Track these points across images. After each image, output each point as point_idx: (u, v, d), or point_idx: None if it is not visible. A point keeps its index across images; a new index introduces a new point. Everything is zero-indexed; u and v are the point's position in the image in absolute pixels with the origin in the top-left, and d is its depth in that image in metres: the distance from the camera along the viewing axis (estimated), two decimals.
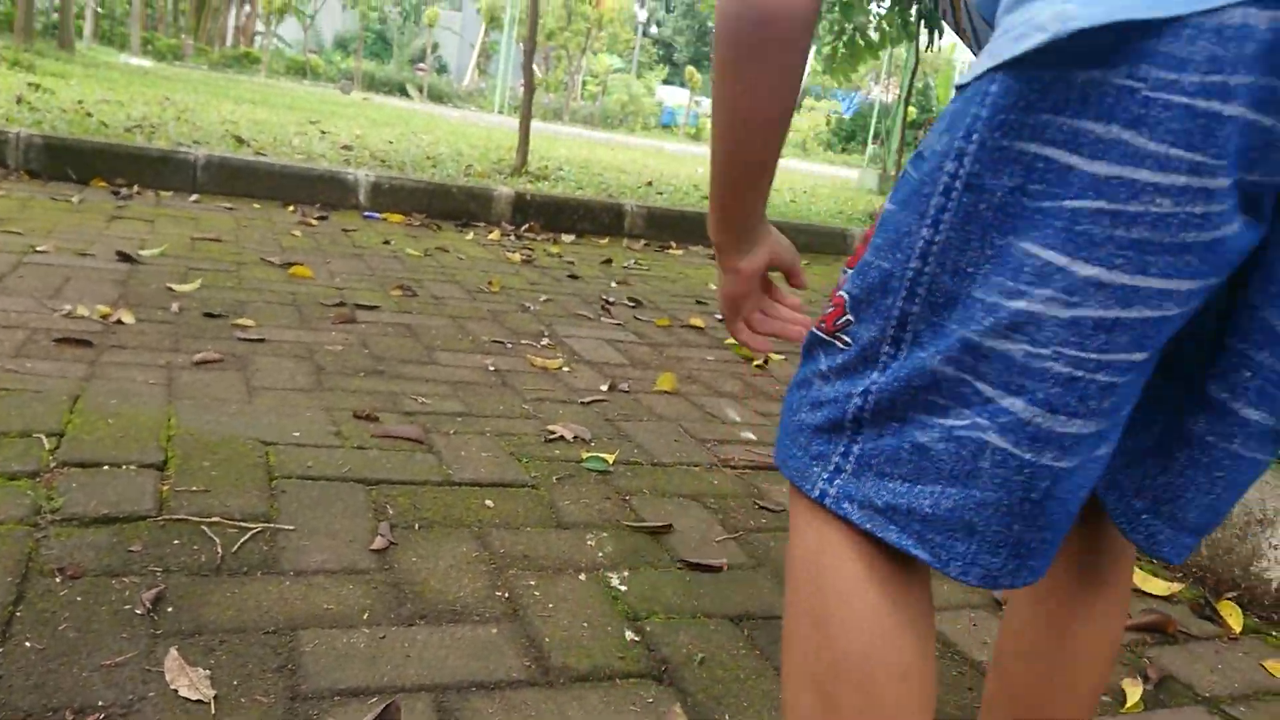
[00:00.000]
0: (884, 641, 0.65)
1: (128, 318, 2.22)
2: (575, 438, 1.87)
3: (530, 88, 6.08)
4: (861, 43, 6.85)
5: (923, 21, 6.63)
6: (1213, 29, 0.50)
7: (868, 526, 0.63)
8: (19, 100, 5.50)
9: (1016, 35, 0.54)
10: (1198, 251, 0.54)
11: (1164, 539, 0.70)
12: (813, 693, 0.67)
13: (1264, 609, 1.56)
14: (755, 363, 2.74)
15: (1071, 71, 0.53)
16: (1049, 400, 0.57)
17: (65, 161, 3.98)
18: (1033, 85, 0.54)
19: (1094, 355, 0.56)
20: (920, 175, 0.60)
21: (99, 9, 23.35)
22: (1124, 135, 0.52)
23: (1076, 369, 0.56)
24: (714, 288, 3.89)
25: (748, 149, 0.78)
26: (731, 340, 2.97)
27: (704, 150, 19.76)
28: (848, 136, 32.63)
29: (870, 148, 21.83)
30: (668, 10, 40.12)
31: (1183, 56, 0.51)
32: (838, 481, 0.65)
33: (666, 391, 2.31)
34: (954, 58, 29.93)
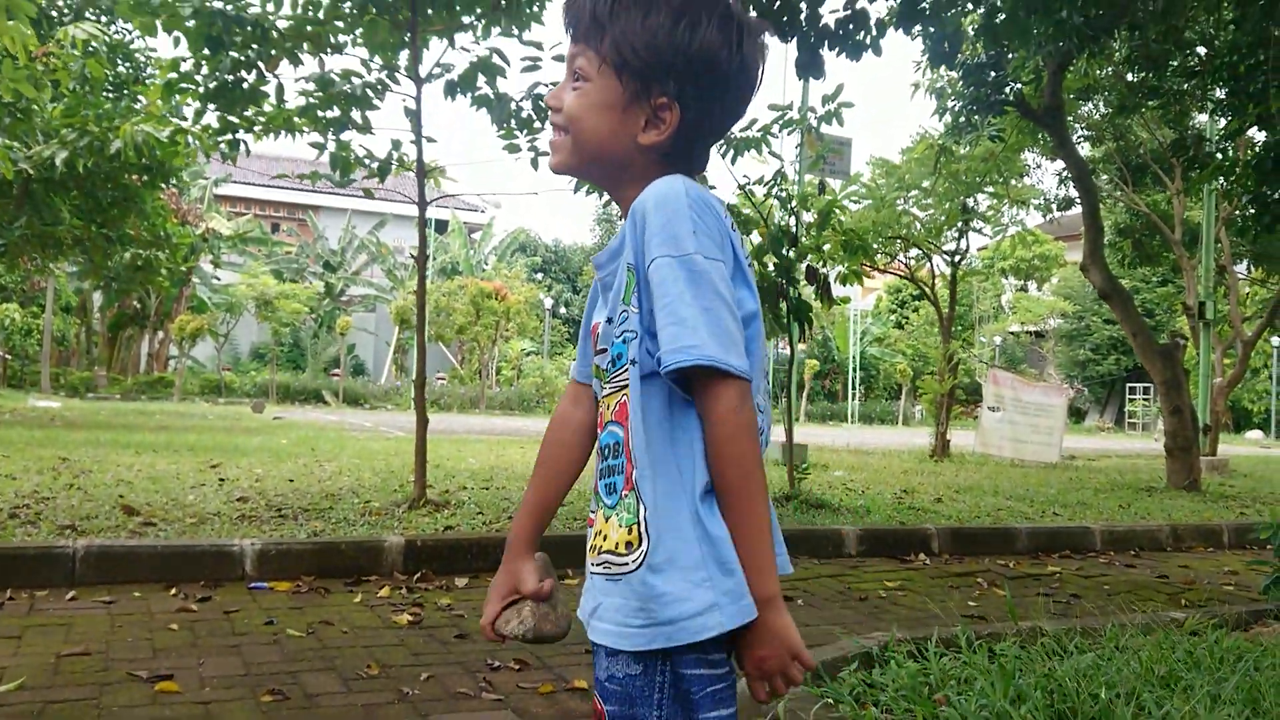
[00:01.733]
0: None
1: None
2: None
3: (423, 420, 6.25)
4: None
5: (792, 316, 7.08)
6: None
7: None
8: None
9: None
10: None
11: None
12: None
13: None
14: None
15: None
16: None
17: None
18: None
19: None
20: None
21: (7, 355, 23.55)
22: None
23: None
24: None
25: None
26: None
27: None
28: None
29: (780, 402, 22.54)
30: (574, 292, 42.08)
31: None
32: None
33: None
34: (848, 310, 31.73)
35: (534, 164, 6.39)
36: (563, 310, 41.20)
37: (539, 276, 40.97)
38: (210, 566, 4.34)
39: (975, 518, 6.82)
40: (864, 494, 7.91)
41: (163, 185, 12.27)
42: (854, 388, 32.28)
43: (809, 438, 13.61)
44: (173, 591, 4.12)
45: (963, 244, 13.82)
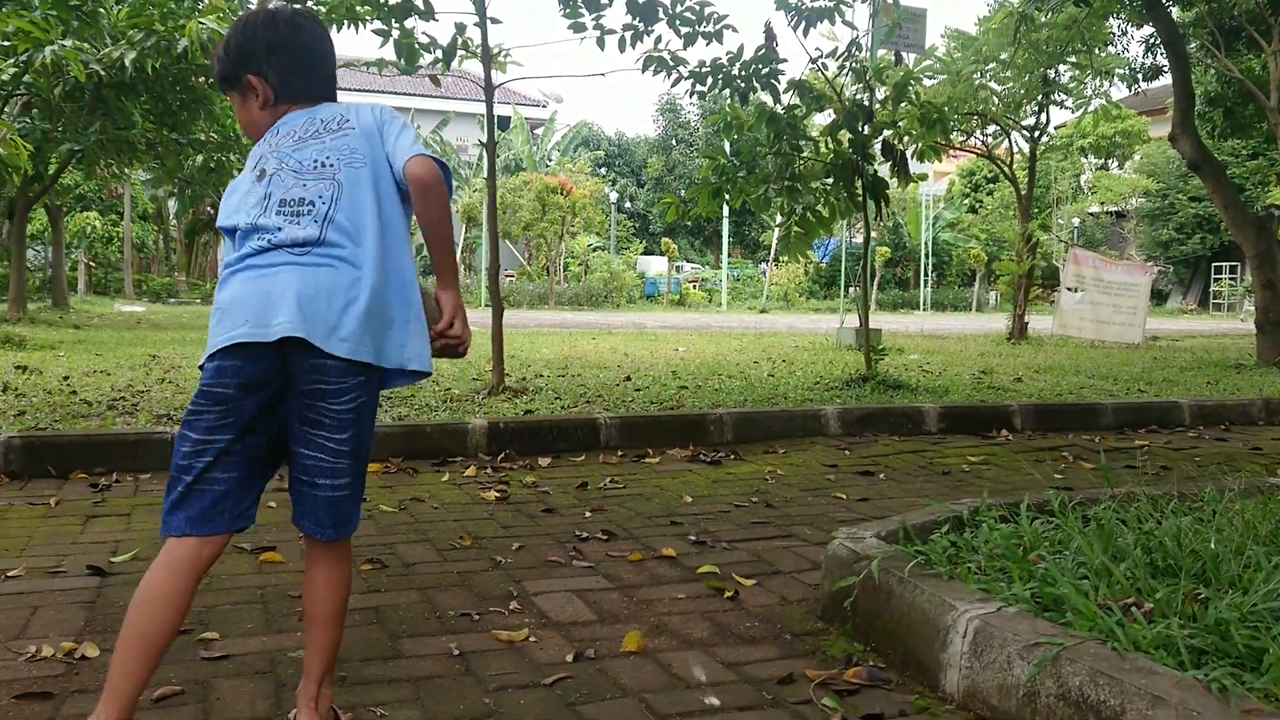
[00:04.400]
0: None
1: (91, 651, 2.24)
2: None
3: (499, 308, 6.28)
4: (813, 219, 7.11)
5: (867, 194, 6.90)
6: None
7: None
8: (4, 388, 5.66)
9: None
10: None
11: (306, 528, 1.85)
12: None
13: None
14: (726, 594, 2.74)
15: None
16: None
17: (44, 459, 4.08)
18: None
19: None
20: None
21: (90, 262, 24.20)
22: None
23: None
24: (690, 500, 3.92)
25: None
26: (705, 569, 2.98)
27: (685, 320, 20.17)
28: (828, 282, 33.29)
29: (852, 291, 22.24)
30: (639, 186, 41.64)
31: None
32: None
33: (633, 652, 2.30)
34: (919, 195, 30.93)
35: (600, 43, 6.22)
36: (628, 204, 40.88)
37: (603, 171, 40.57)
38: None
39: (1057, 395, 6.70)
40: (941, 375, 7.80)
41: None
42: (926, 274, 31.65)
43: (881, 325, 13.44)
44: None
45: (1042, 119, 13.29)
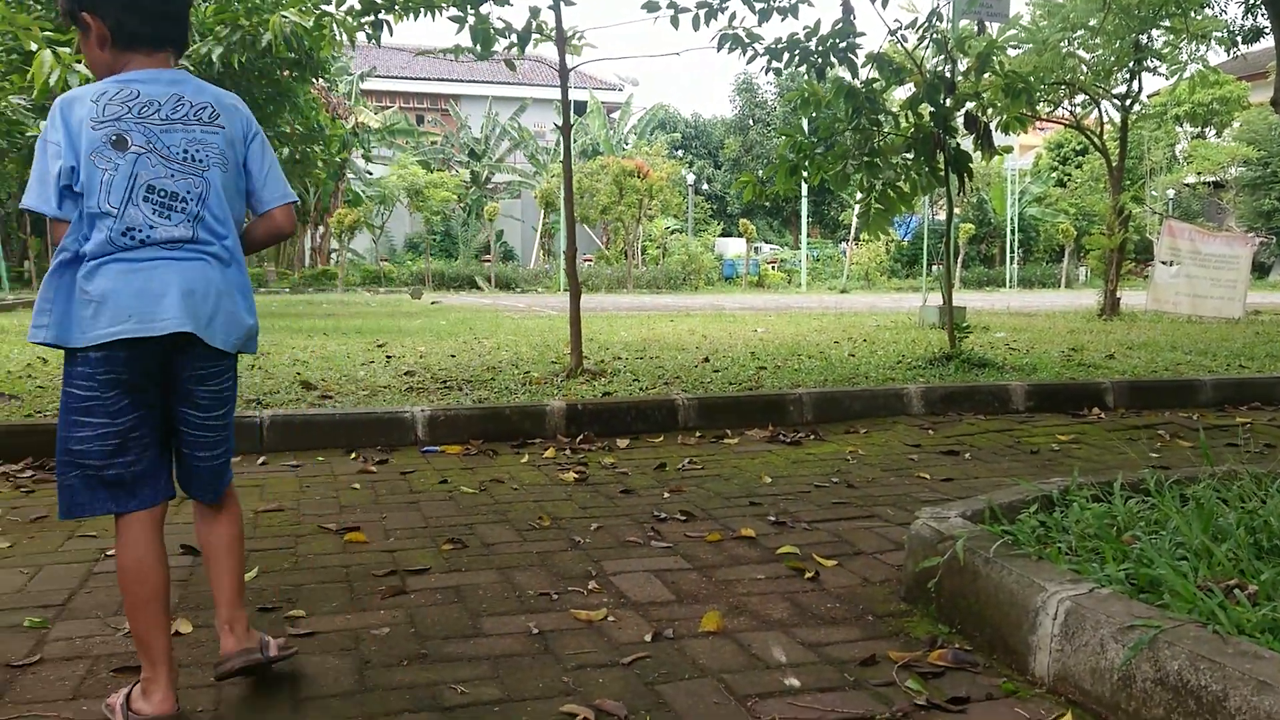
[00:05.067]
0: None
1: (185, 627, 2.30)
2: (612, 715, 1.86)
3: (577, 290, 6.29)
4: (893, 195, 6.97)
5: (950, 167, 6.73)
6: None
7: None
8: None
9: None
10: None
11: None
12: None
13: None
14: (807, 575, 2.70)
15: None
16: None
17: None
18: None
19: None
20: None
21: None
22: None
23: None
24: (769, 481, 3.88)
25: None
26: (784, 550, 2.94)
27: (764, 301, 19.99)
28: (910, 260, 32.70)
29: (934, 268, 21.79)
30: (716, 167, 41.40)
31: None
32: None
33: (711, 632, 2.28)
34: (1004, 170, 30.15)
35: (674, 22, 6.17)
36: (705, 186, 40.67)
37: (679, 153, 40.41)
38: (385, 432, 4.54)
39: (1152, 372, 6.46)
40: (1029, 353, 7.60)
41: (312, 79, 12.52)
42: (1012, 251, 30.83)
43: (966, 303, 13.13)
44: (352, 455, 4.34)
45: (1134, 87, 12.79)
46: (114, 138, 1.82)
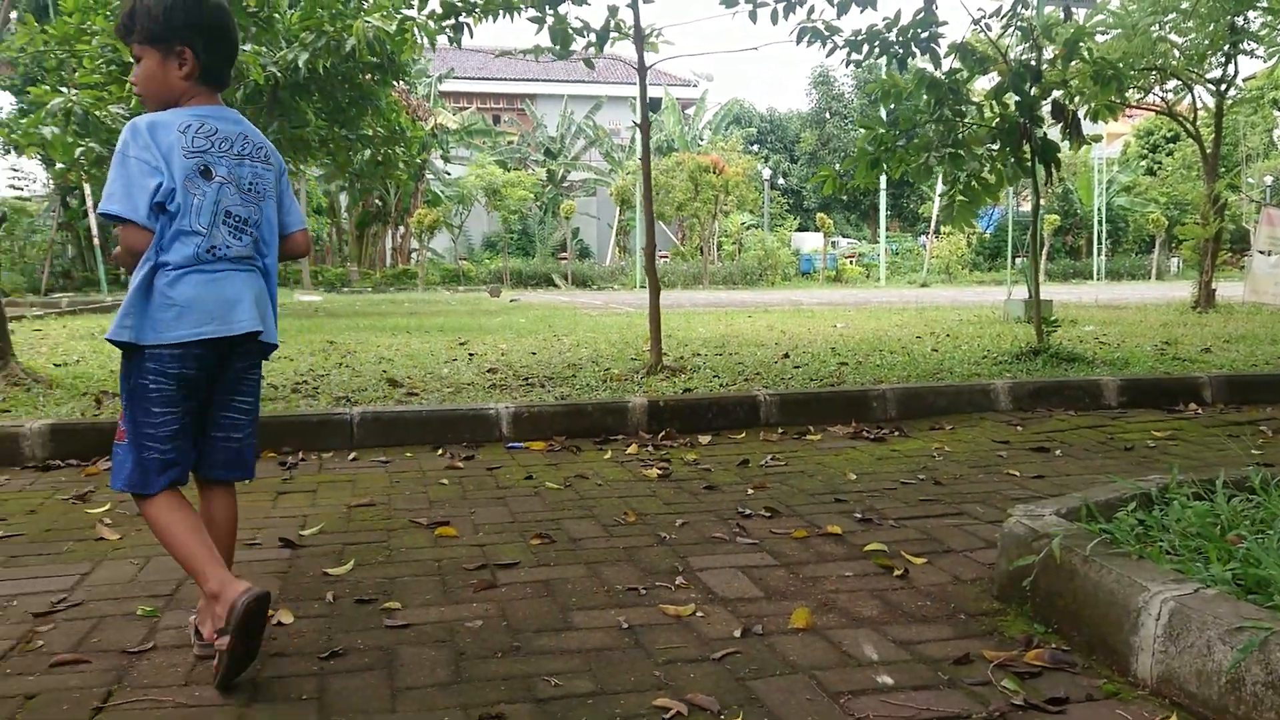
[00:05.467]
0: None
1: (286, 618, 2.38)
2: (704, 709, 1.87)
3: (656, 286, 6.31)
4: (978, 187, 6.85)
5: (1037, 157, 6.58)
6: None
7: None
8: None
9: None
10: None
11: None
12: None
13: None
14: (896, 572, 2.68)
15: None
16: None
17: None
18: None
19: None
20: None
21: None
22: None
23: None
24: (853, 477, 3.85)
25: None
26: (872, 547, 2.92)
27: (842, 296, 19.79)
28: (992, 253, 32.04)
29: (1018, 261, 21.29)
30: (792, 161, 41.08)
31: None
32: None
33: (801, 629, 2.28)
34: (1091, 159, 29.33)
35: (752, 17, 6.14)
36: (781, 181, 40.40)
37: (755, 148, 40.19)
38: (470, 429, 4.61)
39: (1252, 366, 6.24)
40: (1120, 347, 7.40)
41: (394, 82, 12.77)
42: (1099, 242, 29.98)
43: (1052, 296, 12.83)
44: (439, 451, 4.42)
45: (1229, 70, 12.34)
46: (202, 168, 2.11)
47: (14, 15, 7.97)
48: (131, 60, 2.21)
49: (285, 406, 4.85)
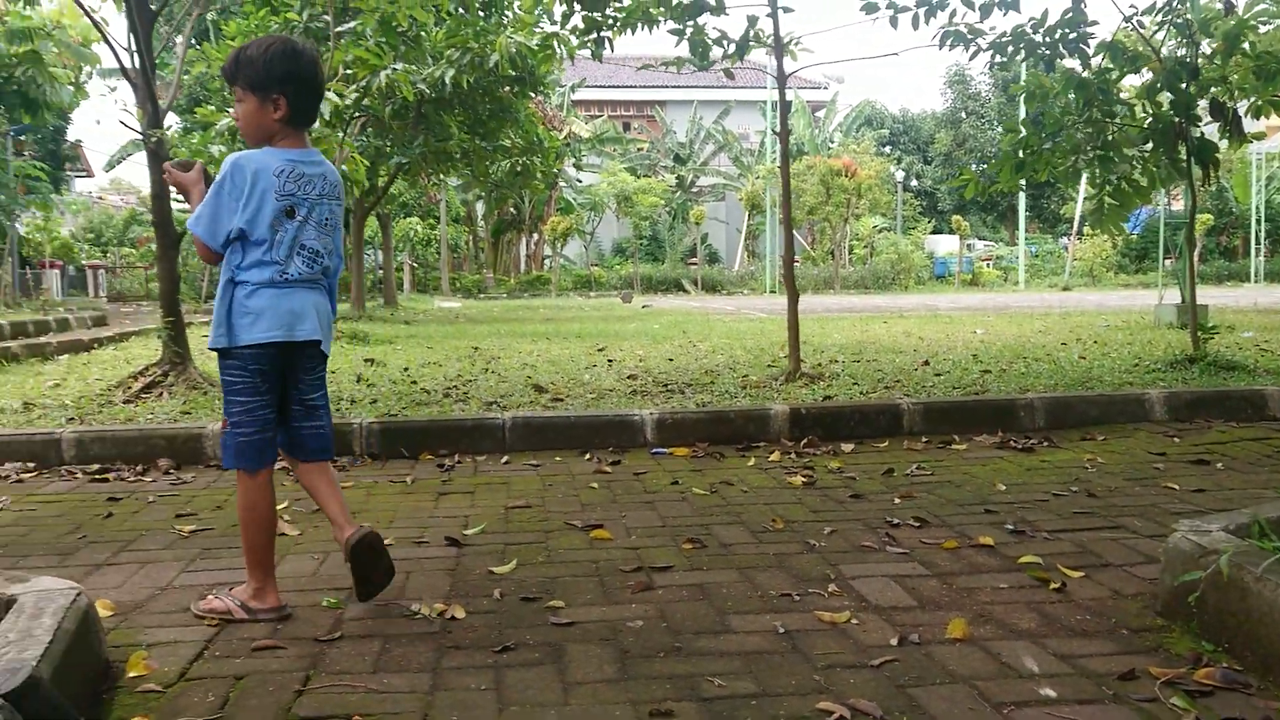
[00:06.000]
0: None
1: (459, 612, 2.52)
2: (867, 715, 1.91)
3: (794, 294, 6.33)
4: (1128, 189, 6.63)
5: (1193, 157, 6.33)
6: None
7: None
8: (358, 379, 6.40)
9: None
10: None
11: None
12: None
13: None
14: (1053, 585, 2.66)
15: None
16: None
17: (399, 442, 4.59)
18: None
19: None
20: None
21: (413, 263, 26.60)
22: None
23: None
24: (1003, 488, 3.81)
25: None
26: (1026, 559, 2.90)
27: (980, 301, 19.28)
28: (1139, 255, 30.67)
29: (1169, 263, 20.34)
30: (926, 163, 40.23)
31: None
32: None
33: (958, 639, 2.29)
34: (1248, 154, 27.76)
35: (893, 22, 6.11)
36: (914, 182, 39.60)
37: (887, 149, 39.52)
38: (615, 434, 4.74)
39: None
40: None
41: (531, 94, 13.12)
42: (1258, 242, 28.35)
43: (1206, 299, 12.24)
44: (586, 456, 4.56)
45: None
46: (287, 208, 2.51)
47: (191, 42, 8.54)
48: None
49: (439, 411, 5.08)
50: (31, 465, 4.44)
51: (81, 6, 5.86)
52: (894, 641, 2.29)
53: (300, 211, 2.51)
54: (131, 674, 2.16)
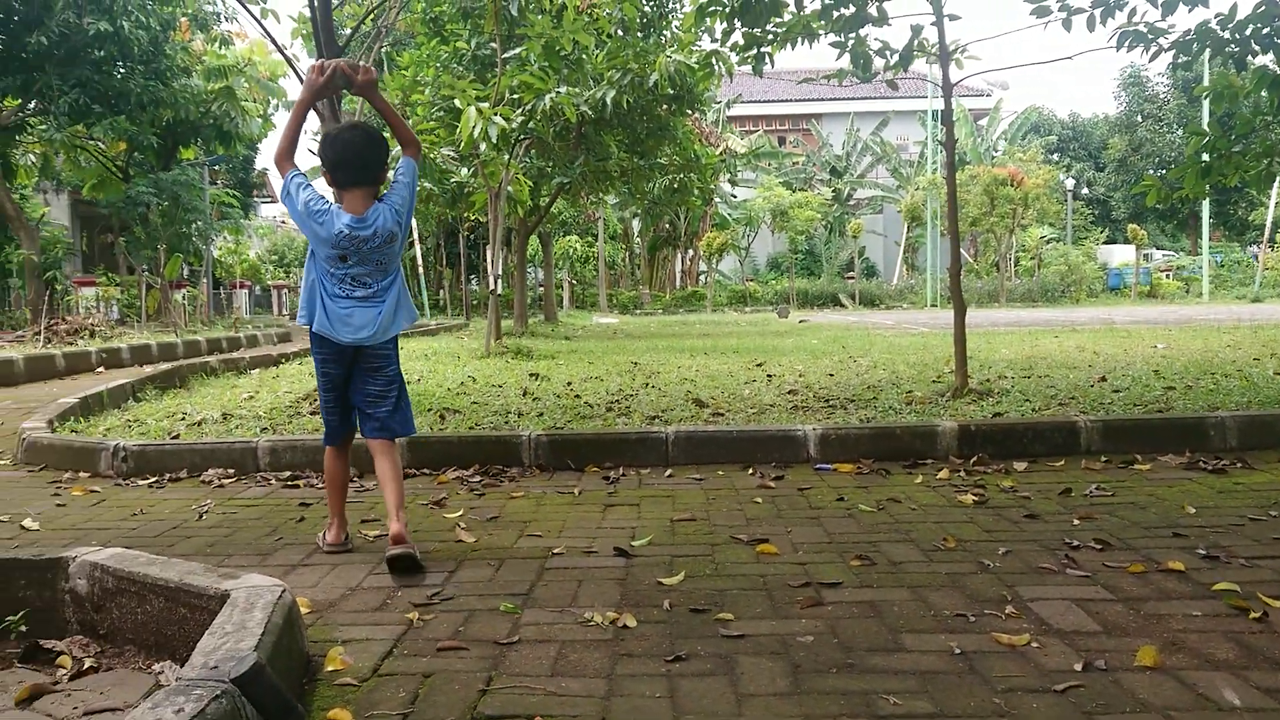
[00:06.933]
0: None
1: (630, 621, 2.58)
2: None
3: (961, 308, 6.17)
4: None
5: None
6: None
7: None
8: (525, 393, 6.60)
9: None
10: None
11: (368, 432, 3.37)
12: None
13: None
14: (1252, 615, 2.50)
15: None
16: None
17: (565, 454, 4.72)
18: None
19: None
20: None
21: (572, 280, 27.19)
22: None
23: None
24: (1193, 511, 3.61)
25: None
26: (1221, 586, 2.74)
27: (1159, 314, 18.22)
28: None
29: None
30: (1098, 170, 38.42)
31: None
32: None
33: (1148, 667, 2.19)
34: None
35: (1066, 25, 5.88)
36: (1085, 190, 37.86)
37: (1055, 157, 37.95)
38: (778, 449, 4.73)
39: None
40: None
41: (688, 111, 13.24)
42: None
43: None
44: (749, 471, 4.57)
45: None
46: (340, 256, 3.17)
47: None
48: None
49: (603, 424, 5.18)
50: (231, 471, 4.77)
51: (275, 44, 6.27)
52: (1078, 667, 2.21)
53: (352, 259, 3.17)
54: (329, 668, 2.30)
